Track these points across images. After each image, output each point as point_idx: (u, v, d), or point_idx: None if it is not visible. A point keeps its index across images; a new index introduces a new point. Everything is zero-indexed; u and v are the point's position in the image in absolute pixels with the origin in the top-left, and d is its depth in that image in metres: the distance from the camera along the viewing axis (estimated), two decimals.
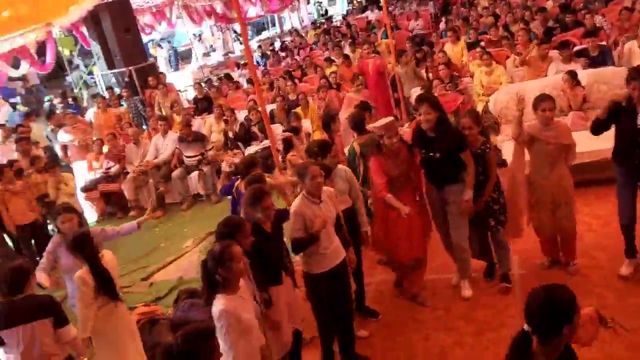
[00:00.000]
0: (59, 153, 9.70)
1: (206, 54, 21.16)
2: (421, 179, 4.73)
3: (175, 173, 8.62)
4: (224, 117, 9.21)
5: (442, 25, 14.07)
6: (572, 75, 6.62)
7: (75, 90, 14.45)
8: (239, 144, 8.73)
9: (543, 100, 4.41)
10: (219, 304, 2.98)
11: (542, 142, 4.41)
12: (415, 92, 7.91)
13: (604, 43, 8.05)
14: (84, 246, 3.86)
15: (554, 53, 7.98)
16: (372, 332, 4.53)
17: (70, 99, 13.76)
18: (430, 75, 8.80)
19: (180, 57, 21.22)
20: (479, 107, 7.80)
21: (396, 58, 9.08)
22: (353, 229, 4.36)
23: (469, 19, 12.75)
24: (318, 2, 27.70)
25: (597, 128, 4.35)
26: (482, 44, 9.65)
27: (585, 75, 6.87)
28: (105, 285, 3.81)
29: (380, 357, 4.24)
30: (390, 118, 4.69)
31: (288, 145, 5.46)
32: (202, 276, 3.11)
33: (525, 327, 2.16)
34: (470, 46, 9.82)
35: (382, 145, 4.47)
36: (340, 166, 4.53)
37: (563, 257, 4.75)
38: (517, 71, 8.38)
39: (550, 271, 4.72)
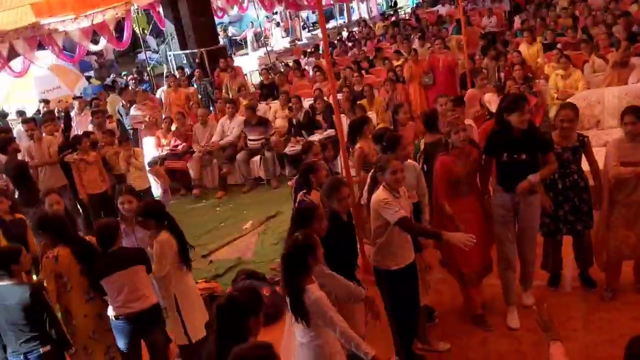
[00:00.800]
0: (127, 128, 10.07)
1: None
2: (488, 185, 4.55)
3: (239, 156, 8.80)
4: (289, 104, 9.31)
5: (516, 24, 13.64)
6: None
7: (148, 69, 14.93)
8: (303, 131, 8.80)
9: (625, 114, 4.21)
10: (312, 296, 2.98)
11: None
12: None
13: None
14: (163, 213, 4.17)
15: (636, 60, 7.63)
16: (428, 332, 4.50)
17: (144, 76, 14.27)
18: (503, 75, 8.58)
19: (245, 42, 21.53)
20: (552, 112, 7.54)
21: (467, 55, 8.90)
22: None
23: (546, 19, 12.32)
24: None
25: None
26: (559, 46, 9.32)
27: None
28: (184, 251, 4.12)
29: (436, 358, 4.21)
30: (456, 115, 4.63)
31: (356, 135, 5.45)
32: (286, 266, 3.08)
33: None
34: (547, 48, 9.50)
35: (449, 144, 4.29)
36: (409, 161, 4.50)
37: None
38: (595, 76, 8.06)
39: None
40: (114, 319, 4.01)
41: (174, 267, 4.07)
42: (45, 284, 4.00)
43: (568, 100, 7.15)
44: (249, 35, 20.68)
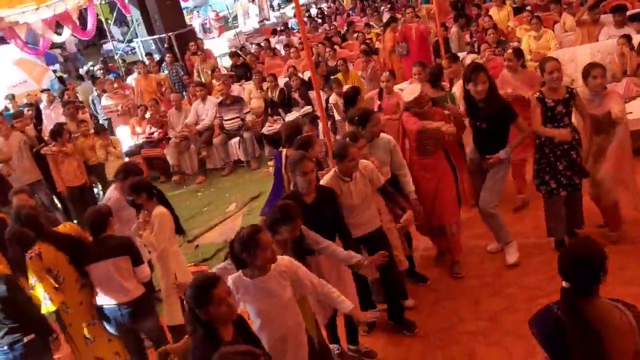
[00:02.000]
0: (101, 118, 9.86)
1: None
2: (455, 147, 4.67)
3: (216, 139, 8.69)
4: (263, 84, 9.21)
5: None
6: (628, 39, 6.38)
7: (116, 57, 14.60)
8: (280, 110, 8.72)
9: (593, 68, 4.30)
10: (229, 278, 2.95)
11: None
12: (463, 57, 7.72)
13: None
14: (151, 186, 4.20)
15: (605, 17, 7.70)
16: (420, 297, 4.54)
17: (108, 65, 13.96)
18: (476, 40, 8.59)
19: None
20: None
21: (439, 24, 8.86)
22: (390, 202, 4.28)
23: None
24: None
25: None
26: (529, 8, 9.35)
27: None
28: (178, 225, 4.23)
29: (430, 320, 4.25)
30: (419, 90, 4.49)
31: (351, 104, 5.36)
32: (230, 254, 3.04)
33: (564, 284, 2.23)
34: (516, 11, 9.53)
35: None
36: (383, 135, 4.39)
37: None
38: (566, 36, 8.12)
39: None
40: (97, 308, 3.99)
41: (171, 243, 4.08)
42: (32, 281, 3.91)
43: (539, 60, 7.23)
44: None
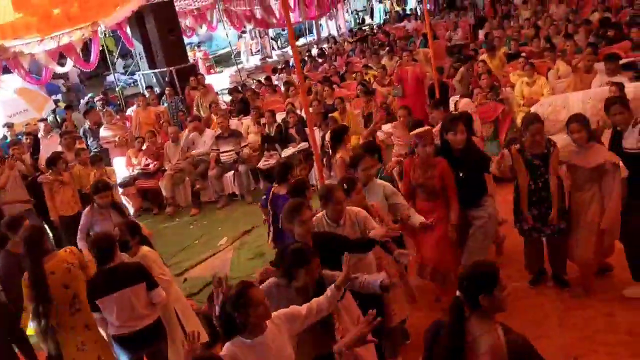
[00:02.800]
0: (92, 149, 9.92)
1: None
2: (455, 200, 4.53)
3: (212, 172, 8.74)
4: (261, 119, 9.32)
5: (481, 37, 13.97)
6: (620, 87, 6.49)
7: (117, 89, 14.79)
8: (276, 145, 8.80)
9: (570, 122, 4.33)
10: (223, 349, 2.77)
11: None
12: (457, 100, 7.84)
13: None
14: (141, 233, 4.28)
15: (598, 66, 7.85)
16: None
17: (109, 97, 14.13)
18: (471, 85, 8.75)
19: (218, 60, 21.58)
20: (519, 118, 7.70)
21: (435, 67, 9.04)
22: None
23: (508, 31, 12.67)
24: (356, 11, 27.83)
25: None
26: (524, 54, 9.54)
27: (631, 88, 6.71)
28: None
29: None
30: (428, 127, 4.66)
31: (336, 142, 5.42)
32: (219, 319, 2.94)
33: (457, 293, 2.45)
34: (511, 57, 9.73)
35: (416, 152, 4.50)
36: (377, 181, 4.37)
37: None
38: (559, 83, 8.26)
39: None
40: (113, 338, 3.96)
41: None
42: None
43: (533, 106, 7.34)
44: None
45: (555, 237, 4.53)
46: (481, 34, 14.31)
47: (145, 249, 4.19)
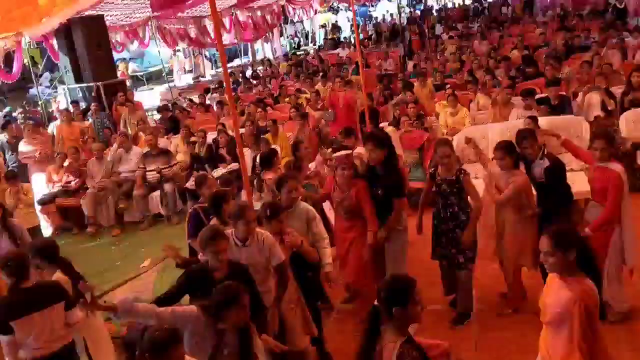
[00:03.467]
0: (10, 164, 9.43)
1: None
2: (371, 221, 4.65)
3: (137, 191, 8.49)
4: (192, 139, 9.18)
5: (409, 67, 14.53)
6: (534, 120, 6.91)
7: (40, 103, 14.13)
8: (206, 166, 8.68)
9: (495, 150, 4.62)
10: None
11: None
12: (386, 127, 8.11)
13: (563, 93, 8.45)
14: (54, 254, 4.12)
15: (516, 100, 8.34)
16: None
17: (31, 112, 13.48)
18: (398, 112, 9.03)
19: (148, 78, 21.14)
20: None
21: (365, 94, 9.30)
22: (303, 270, 4.18)
23: (435, 63, 13.24)
24: (291, 35, 28.18)
25: None
26: (448, 87, 10.01)
27: (545, 122, 7.17)
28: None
29: None
30: (350, 151, 4.78)
31: (265, 165, 5.44)
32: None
33: (376, 302, 2.60)
34: (436, 88, 10.16)
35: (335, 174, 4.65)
36: (301, 204, 4.37)
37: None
38: (479, 114, 8.70)
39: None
40: None
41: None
42: None
43: (455, 135, 7.68)
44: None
45: (465, 268, 4.65)
46: (410, 64, 14.90)
47: (57, 276, 3.98)
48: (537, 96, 8.27)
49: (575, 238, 2.82)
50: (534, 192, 4.65)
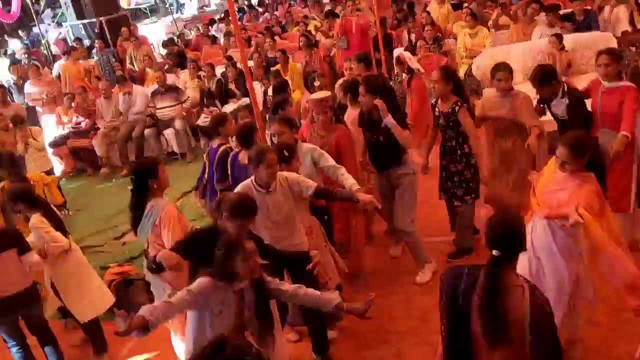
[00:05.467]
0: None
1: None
2: (357, 167, 4.44)
3: (148, 131, 8.35)
4: (199, 73, 8.92)
5: None
6: (559, 38, 6.54)
7: (43, 42, 13.79)
8: (216, 101, 8.46)
9: (497, 70, 4.34)
10: None
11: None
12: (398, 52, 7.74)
13: (589, 8, 7.95)
14: (32, 198, 4.10)
15: (539, 17, 7.88)
16: (352, 296, 4.45)
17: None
18: (413, 36, 8.63)
19: (152, 10, 20.46)
20: (462, 70, 7.70)
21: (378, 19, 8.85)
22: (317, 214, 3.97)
23: None
24: None
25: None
26: (466, 5, 9.48)
27: (570, 39, 6.79)
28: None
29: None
30: (328, 93, 4.42)
31: (280, 108, 5.14)
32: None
33: (495, 252, 2.29)
34: (454, 7, 9.64)
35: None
36: (304, 146, 4.05)
37: None
38: (500, 34, 8.27)
39: None
40: None
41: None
42: None
43: (475, 58, 7.33)
44: None
45: (466, 203, 4.49)
46: None
47: (35, 219, 3.93)
48: (561, 12, 7.82)
49: (589, 144, 3.11)
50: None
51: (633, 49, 6.81)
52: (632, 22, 7.16)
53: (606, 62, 3.99)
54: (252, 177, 3.49)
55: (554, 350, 2.25)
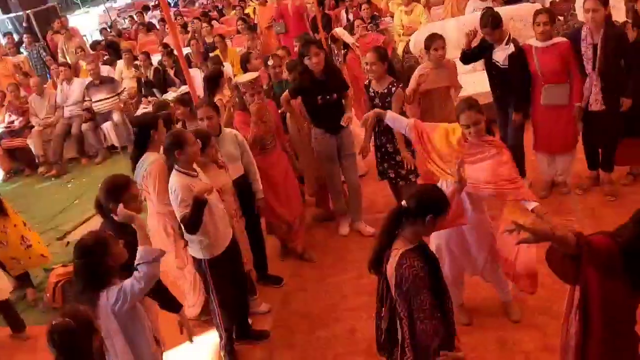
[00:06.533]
0: None
1: None
2: (282, 134, 4.59)
3: (85, 125, 8.08)
4: (136, 62, 8.66)
5: None
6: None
7: None
8: (155, 90, 8.25)
9: (433, 41, 4.47)
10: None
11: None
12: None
13: None
14: None
15: None
16: (306, 276, 4.53)
17: None
18: (351, 15, 8.65)
19: (82, 0, 19.69)
20: (400, 48, 7.76)
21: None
22: (246, 199, 4.04)
23: None
24: None
25: (465, 58, 4.74)
26: None
27: (502, 12, 6.92)
28: None
29: (314, 299, 4.24)
30: (256, 74, 4.38)
31: (213, 87, 5.07)
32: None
33: (404, 202, 2.46)
34: None
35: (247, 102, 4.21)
36: (228, 130, 4.05)
37: None
38: (435, 9, 8.38)
39: None
40: None
41: None
42: None
43: (412, 35, 7.41)
44: None
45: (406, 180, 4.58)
46: None
47: None
48: None
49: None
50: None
51: (562, 18, 7.04)
52: None
53: (544, 20, 4.24)
54: (176, 166, 3.32)
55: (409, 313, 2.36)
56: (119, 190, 2.94)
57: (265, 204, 4.25)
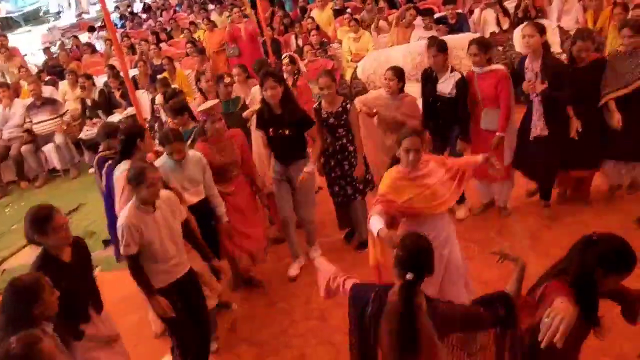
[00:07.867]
0: None
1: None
2: (253, 167, 4.53)
3: (25, 148, 7.78)
4: (80, 84, 8.44)
5: None
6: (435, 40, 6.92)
7: None
8: (99, 112, 8.06)
9: (386, 71, 4.62)
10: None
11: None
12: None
13: (460, 11, 8.49)
14: None
15: (416, 21, 8.31)
16: (254, 303, 4.49)
17: None
18: (300, 41, 8.75)
19: (26, 18, 19.09)
20: (348, 74, 7.92)
21: (266, 23, 8.88)
22: (207, 223, 4.05)
23: None
24: None
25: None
26: (349, 10, 9.78)
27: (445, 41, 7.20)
28: None
29: (263, 326, 4.19)
30: (216, 101, 4.39)
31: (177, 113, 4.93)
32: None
33: (409, 276, 2.23)
34: (337, 13, 9.91)
35: (206, 131, 4.17)
36: (193, 152, 4.01)
37: None
38: (382, 37, 8.61)
39: None
40: None
41: None
42: None
43: (360, 61, 7.58)
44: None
45: (353, 201, 4.68)
46: None
47: None
48: (435, 15, 8.28)
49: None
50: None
51: (500, 48, 7.37)
52: (498, 24, 7.73)
53: (474, 52, 4.44)
54: (134, 199, 3.27)
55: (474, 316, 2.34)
56: (42, 222, 2.87)
57: (231, 229, 4.20)
